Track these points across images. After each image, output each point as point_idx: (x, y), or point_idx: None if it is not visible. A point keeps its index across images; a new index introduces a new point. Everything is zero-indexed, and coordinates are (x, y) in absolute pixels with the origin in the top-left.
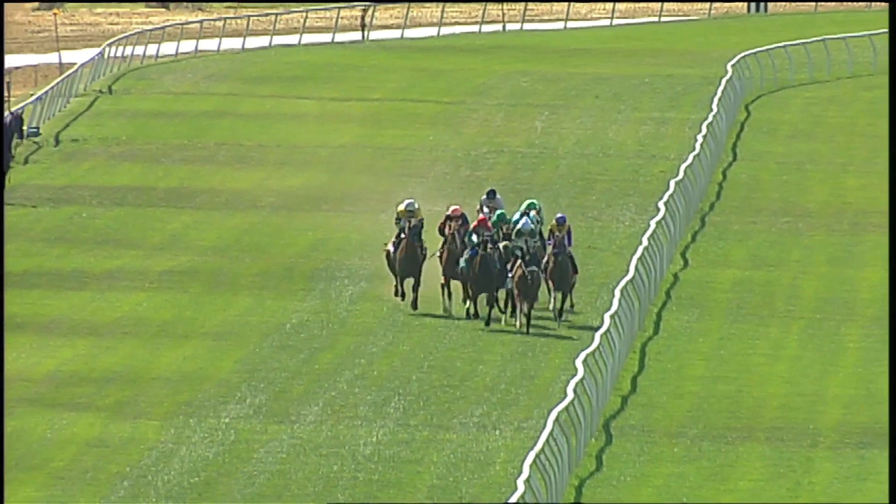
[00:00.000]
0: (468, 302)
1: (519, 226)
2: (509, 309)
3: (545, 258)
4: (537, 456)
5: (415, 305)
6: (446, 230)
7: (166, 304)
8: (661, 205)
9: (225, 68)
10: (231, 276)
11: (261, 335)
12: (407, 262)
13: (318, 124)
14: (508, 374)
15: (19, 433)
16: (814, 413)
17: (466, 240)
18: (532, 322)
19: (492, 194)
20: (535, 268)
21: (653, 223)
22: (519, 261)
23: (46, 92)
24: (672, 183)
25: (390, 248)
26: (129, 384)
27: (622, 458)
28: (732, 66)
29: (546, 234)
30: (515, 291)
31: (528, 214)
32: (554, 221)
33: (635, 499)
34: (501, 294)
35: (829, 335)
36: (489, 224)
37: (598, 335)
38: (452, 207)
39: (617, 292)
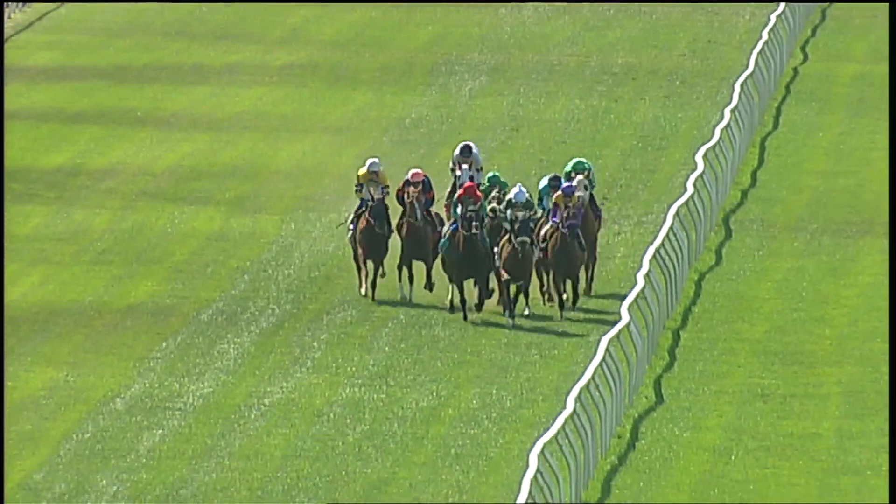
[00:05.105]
0: (451, 289)
1: (511, 195)
2: (495, 298)
3: (544, 231)
4: (657, 250)
5: (373, 294)
6: (405, 198)
7: (286, 98)
8: None
9: None
10: (351, 70)
11: (380, 130)
12: (368, 244)
13: None
14: (628, 167)
15: (140, 227)
16: None
17: (452, 212)
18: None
19: (466, 150)
20: (525, 238)
21: (773, 17)
22: (507, 234)
23: None
24: None
25: (350, 226)
26: (250, 178)
27: (741, 252)
28: None
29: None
30: (503, 272)
31: (570, 180)
32: (559, 192)
33: (755, 293)
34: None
35: None
36: (478, 191)
37: (717, 129)
38: (413, 171)
39: (737, 86)
